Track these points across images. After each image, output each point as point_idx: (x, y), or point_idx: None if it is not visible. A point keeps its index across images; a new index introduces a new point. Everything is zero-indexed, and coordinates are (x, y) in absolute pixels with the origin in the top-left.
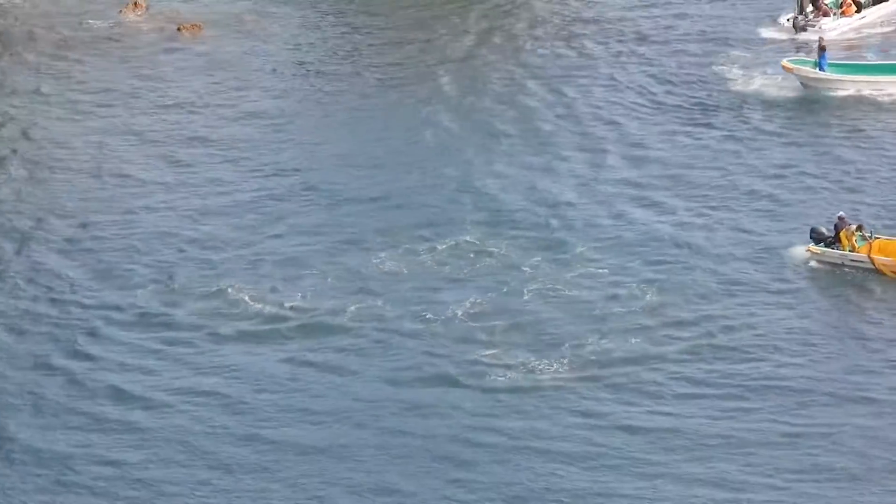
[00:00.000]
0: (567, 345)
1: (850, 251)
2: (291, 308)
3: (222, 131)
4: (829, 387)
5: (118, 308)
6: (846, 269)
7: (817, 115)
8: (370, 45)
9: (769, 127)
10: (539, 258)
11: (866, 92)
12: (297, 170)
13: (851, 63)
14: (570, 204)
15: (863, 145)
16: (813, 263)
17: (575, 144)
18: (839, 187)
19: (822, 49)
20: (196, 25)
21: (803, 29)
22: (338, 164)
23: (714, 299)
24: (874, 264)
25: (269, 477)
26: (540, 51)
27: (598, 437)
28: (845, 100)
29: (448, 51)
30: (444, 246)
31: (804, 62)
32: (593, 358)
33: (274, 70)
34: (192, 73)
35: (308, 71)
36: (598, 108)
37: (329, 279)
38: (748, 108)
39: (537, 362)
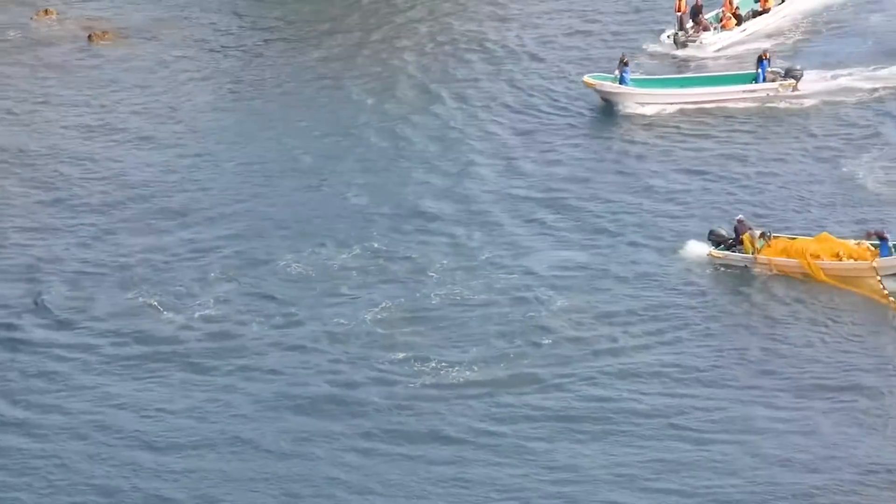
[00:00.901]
0: (472, 355)
1: (753, 254)
2: (190, 320)
3: (123, 141)
4: (726, 413)
5: None
6: (749, 273)
7: (689, 126)
8: (277, 53)
9: (648, 140)
10: (444, 266)
11: (673, 105)
12: (197, 179)
13: (653, 77)
14: (471, 212)
15: (723, 152)
16: (715, 268)
17: (472, 154)
18: (722, 192)
19: (624, 64)
20: (107, 33)
21: (684, 45)
22: (239, 172)
23: (615, 312)
24: (772, 266)
25: (154, 499)
26: (439, 61)
27: (494, 457)
28: (683, 112)
29: (352, 59)
30: (349, 253)
31: (604, 77)
32: (498, 370)
33: (178, 80)
34: (96, 83)
35: (213, 80)
36: (493, 118)
37: (231, 289)
38: (631, 122)
39: (442, 374)
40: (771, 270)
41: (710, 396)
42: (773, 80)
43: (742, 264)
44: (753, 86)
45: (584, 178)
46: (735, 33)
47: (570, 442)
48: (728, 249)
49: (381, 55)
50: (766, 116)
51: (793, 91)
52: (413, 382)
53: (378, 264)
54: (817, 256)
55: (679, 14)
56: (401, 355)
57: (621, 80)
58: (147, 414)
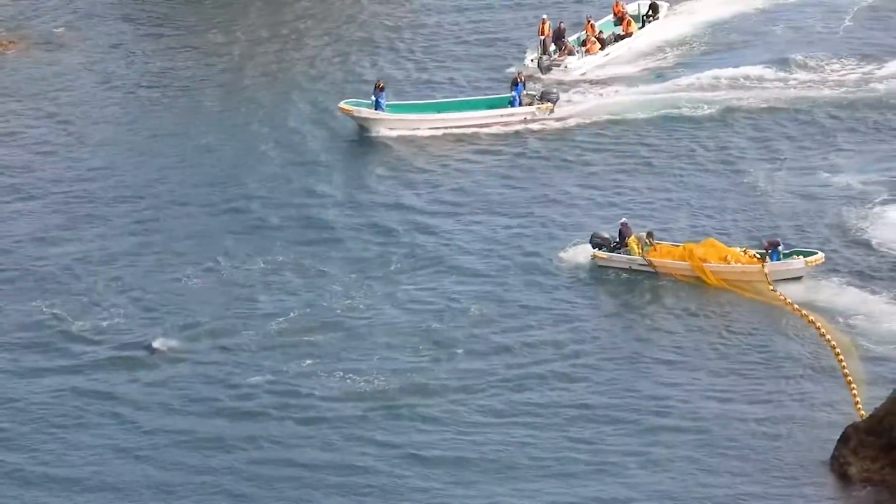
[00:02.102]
0: (369, 371)
1: (641, 256)
2: (87, 333)
3: (18, 152)
4: (612, 412)
5: None
6: (634, 274)
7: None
8: (175, 62)
9: (521, 158)
10: (348, 279)
11: (436, 130)
12: (93, 192)
13: (409, 103)
14: (365, 224)
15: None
16: (599, 270)
17: (342, 167)
18: (587, 203)
19: (379, 89)
20: (12, 42)
21: (549, 69)
22: (136, 184)
23: (506, 323)
24: (653, 267)
25: None
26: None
27: (384, 467)
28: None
29: (247, 70)
30: (251, 265)
31: (360, 103)
32: (392, 384)
33: (77, 90)
34: None
35: (112, 90)
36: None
37: (130, 302)
38: (511, 141)
39: (340, 388)
40: (657, 273)
41: (597, 430)
42: (531, 104)
43: (626, 266)
44: (511, 109)
45: (453, 201)
46: (599, 57)
47: (459, 447)
48: (612, 252)
49: (282, 64)
50: (534, 138)
51: (549, 114)
52: (315, 396)
53: (279, 277)
54: (705, 260)
55: (542, 38)
56: (291, 373)
57: (376, 106)
58: (37, 426)
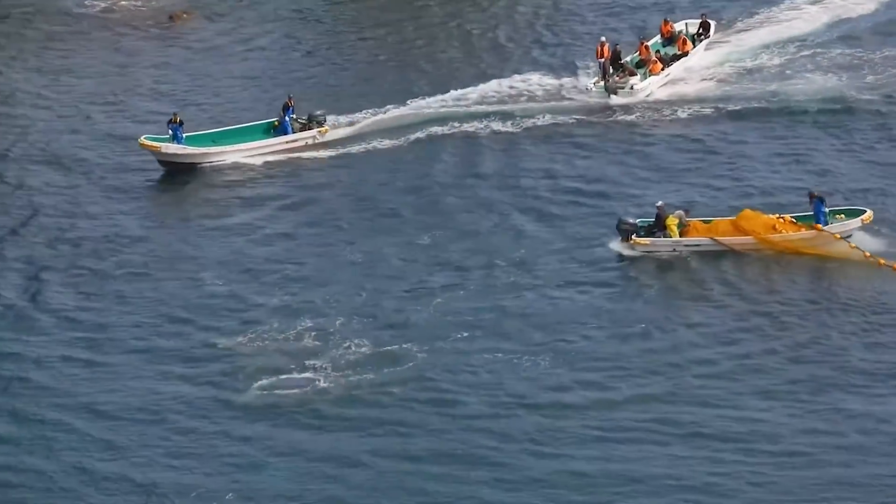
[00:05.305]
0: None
1: (681, 237)
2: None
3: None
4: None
5: None
6: (677, 257)
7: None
8: (349, 46)
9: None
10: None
11: (234, 159)
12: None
13: (208, 132)
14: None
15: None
16: (634, 256)
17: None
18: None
19: (179, 123)
20: (188, 13)
21: (615, 91)
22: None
23: (549, 324)
24: (719, 243)
25: None
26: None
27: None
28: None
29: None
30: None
31: (160, 138)
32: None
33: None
34: (169, 68)
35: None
36: None
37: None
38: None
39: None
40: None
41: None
42: (308, 128)
43: (670, 248)
44: (294, 136)
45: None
46: (661, 77)
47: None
48: (650, 235)
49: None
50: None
51: (324, 137)
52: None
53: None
54: (758, 233)
55: (601, 60)
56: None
57: (177, 140)
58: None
